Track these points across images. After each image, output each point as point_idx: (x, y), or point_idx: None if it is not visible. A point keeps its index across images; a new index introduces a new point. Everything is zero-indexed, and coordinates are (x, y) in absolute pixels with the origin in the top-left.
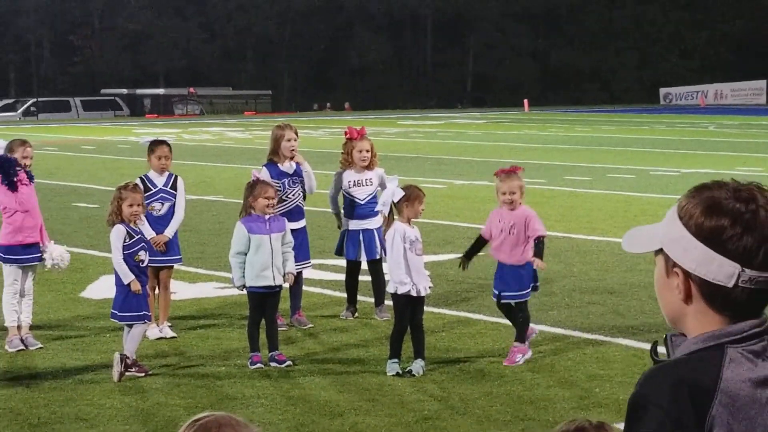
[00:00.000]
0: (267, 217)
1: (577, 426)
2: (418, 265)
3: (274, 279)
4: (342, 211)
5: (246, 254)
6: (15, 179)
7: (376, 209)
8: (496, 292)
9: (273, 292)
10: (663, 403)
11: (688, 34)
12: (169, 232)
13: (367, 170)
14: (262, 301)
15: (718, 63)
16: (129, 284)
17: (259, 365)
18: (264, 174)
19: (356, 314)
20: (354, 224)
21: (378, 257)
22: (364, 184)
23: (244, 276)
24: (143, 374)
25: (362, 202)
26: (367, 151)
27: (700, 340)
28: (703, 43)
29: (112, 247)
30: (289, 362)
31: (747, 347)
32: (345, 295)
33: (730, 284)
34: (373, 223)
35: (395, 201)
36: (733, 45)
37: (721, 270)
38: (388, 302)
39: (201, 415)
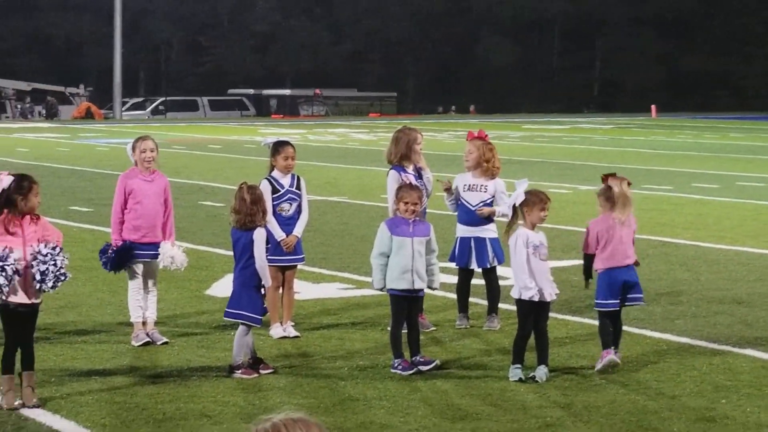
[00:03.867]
0: (412, 220)
1: None
2: (543, 270)
3: (413, 282)
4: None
5: (388, 256)
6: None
7: (498, 211)
8: (617, 301)
9: (414, 296)
10: None
11: None
12: (297, 232)
13: (486, 177)
14: (404, 303)
15: None
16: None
17: (411, 371)
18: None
19: (470, 322)
20: (465, 231)
21: (489, 266)
22: (478, 189)
23: (384, 278)
24: (252, 376)
25: (473, 208)
26: (470, 152)
27: None
28: None
29: (259, 249)
30: (436, 362)
31: None
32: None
33: None
34: (486, 231)
35: (517, 204)
36: None
37: None
38: (506, 307)
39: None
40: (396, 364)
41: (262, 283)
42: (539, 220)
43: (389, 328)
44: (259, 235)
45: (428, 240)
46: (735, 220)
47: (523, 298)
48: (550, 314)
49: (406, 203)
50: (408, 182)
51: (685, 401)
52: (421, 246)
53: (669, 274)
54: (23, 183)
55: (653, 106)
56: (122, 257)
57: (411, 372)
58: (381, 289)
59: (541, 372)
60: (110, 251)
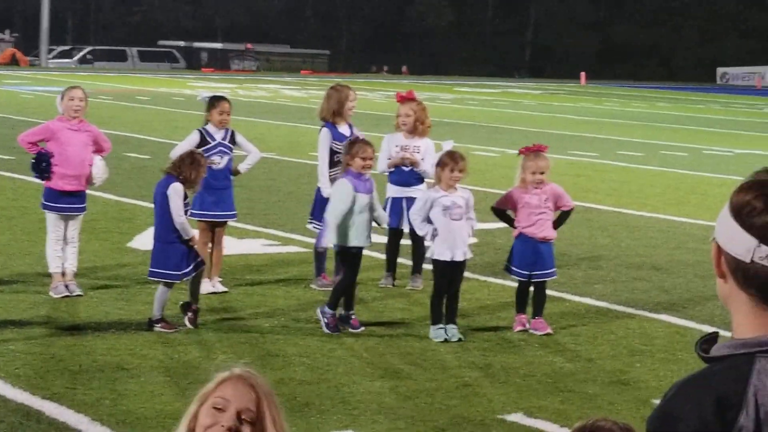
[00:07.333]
0: (366, 176)
1: (605, 427)
2: (454, 230)
3: (371, 239)
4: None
5: (346, 212)
6: (48, 172)
7: (422, 169)
8: (527, 273)
9: (361, 251)
10: (689, 420)
11: (750, 14)
12: (243, 167)
13: (417, 137)
14: (357, 260)
15: None
16: (190, 240)
17: (334, 332)
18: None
19: (395, 282)
20: (397, 191)
21: None
22: (412, 150)
23: (349, 237)
24: (172, 330)
25: (406, 170)
26: (407, 115)
27: (732, 345)
28: (763, 25)
29: (174, 205)
30: (362, 328)
31: None
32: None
33: (747, 259)
34: (418, 192)
35: (436, 165)
36: None
37: (741, 244)
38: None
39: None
40: (326, 313)
41: (184, 237)
42: (450, 180)
43: (312, 285)
44: (173, 191)
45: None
46: (657, 188)
47: (434, 257)
48: (472, 275)
49: (364, 158)
50: (359, 136)
51: (601, 364)
52: (372, 203)
53: (590, 240)
54: None
55: (583, 73)
56: (40, 164)
57: (333, 332)
58: (324, 249)
59: (452, 331)
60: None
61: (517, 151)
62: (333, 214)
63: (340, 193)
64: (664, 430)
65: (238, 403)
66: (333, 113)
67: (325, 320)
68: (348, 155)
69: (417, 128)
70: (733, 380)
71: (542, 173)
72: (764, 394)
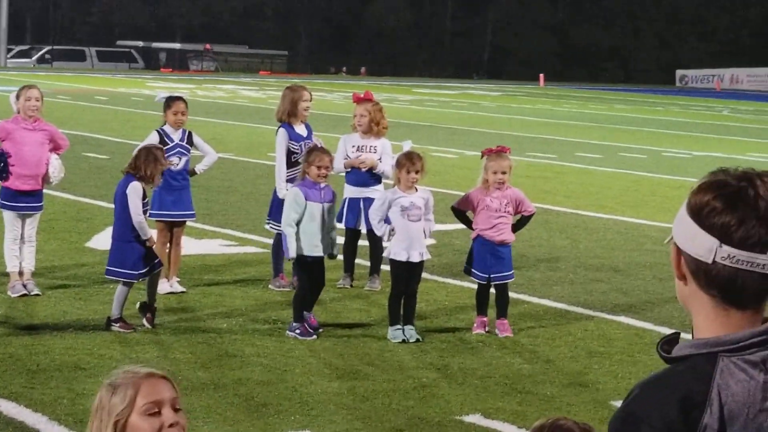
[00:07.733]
0: (322, 185)
1: (565, 426)
2: (412, 230)
3: (323, 249)
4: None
5: (299, 221)
6: (5, 173)
7: (380, 169)
8: (486, 275)
9: (320, 261)
10: (653, 421)
11: (709, 17)
12: (199, 168)
13: (373, 137)
14: (314, 269)
15: (736, 48)
16: (147, 240)
17: (309, 337)
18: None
19: (353, 283)
20: (354, 191)
21: None
22: (367, 150)
23: (301, 246)
24: (130, 330)
25: (363, 170)
26: (362, 116)
27: (694, 345)
28: (723, 28)
29: (133, 204)
30: (321, 330)
31: (743, 357)
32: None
33: (709, 260)
34: (375, 192)
35: (393, 165)
36: (755, 30)
37: (702, 245)
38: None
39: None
40: (295, 327)
41: (142, 237)
42: (408, 181)
43: (270, 286)
44: (132, 190)
45: (331, 205)
46: (616, 190)
47: (391, 258)
48: (431, 277)
49: (319, 167)
50: (318, 144)
51: (560, 365)
52: (327, 212)
53: (548, 241)
54: None
55: (541, 75)
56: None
57: (310, 338)
58: (293, 259)
59: (410, 331)
60: None
61: (479, 153)
62: (286, 222)
63: (289, 202)
64: (628, 431)
65: (166, 399)
66: (288, 114)
67: (298, 332)
68: (305, 163)
69: (372, 129)
70: (696, 379)
71: (504, 173)
72: (728, 393)
